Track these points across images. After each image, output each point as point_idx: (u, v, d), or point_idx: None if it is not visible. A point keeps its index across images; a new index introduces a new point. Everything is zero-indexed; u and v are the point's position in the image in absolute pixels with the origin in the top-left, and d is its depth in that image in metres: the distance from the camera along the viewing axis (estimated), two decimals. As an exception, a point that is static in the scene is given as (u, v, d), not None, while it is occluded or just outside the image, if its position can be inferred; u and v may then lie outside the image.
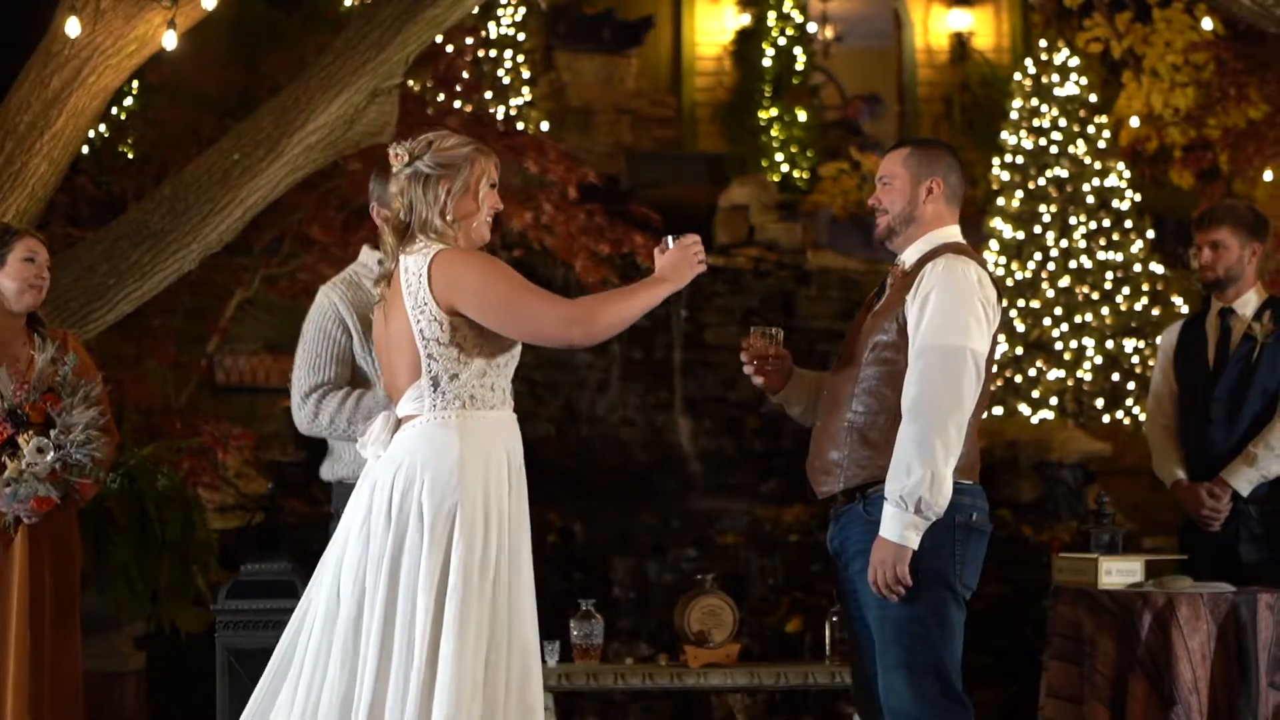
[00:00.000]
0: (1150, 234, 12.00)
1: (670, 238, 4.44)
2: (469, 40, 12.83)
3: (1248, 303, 6.07)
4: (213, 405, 9.64)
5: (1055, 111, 12.19)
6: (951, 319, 4.51)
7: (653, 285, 4.40)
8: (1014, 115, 12.41)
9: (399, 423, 4.40)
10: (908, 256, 4.72)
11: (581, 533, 9.51)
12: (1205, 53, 11.46)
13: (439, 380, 4.33)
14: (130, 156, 9.71)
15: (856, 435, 4.62)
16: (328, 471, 5.35)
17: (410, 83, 9.04)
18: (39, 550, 5.37)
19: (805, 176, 14.86)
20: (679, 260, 4.42)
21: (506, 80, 14.28)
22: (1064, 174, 11.98)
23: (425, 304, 4.31)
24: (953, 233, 4.73)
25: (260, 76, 9.60)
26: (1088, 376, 11.53)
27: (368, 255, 5.30)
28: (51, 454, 5.24)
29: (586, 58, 15.63)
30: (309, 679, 4.34)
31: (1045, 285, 11.74)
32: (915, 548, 4.45)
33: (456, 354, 4.33)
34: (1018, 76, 12.74)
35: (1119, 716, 5.30)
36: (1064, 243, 11.83)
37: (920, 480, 4.42)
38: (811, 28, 15.95)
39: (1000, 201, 12.15)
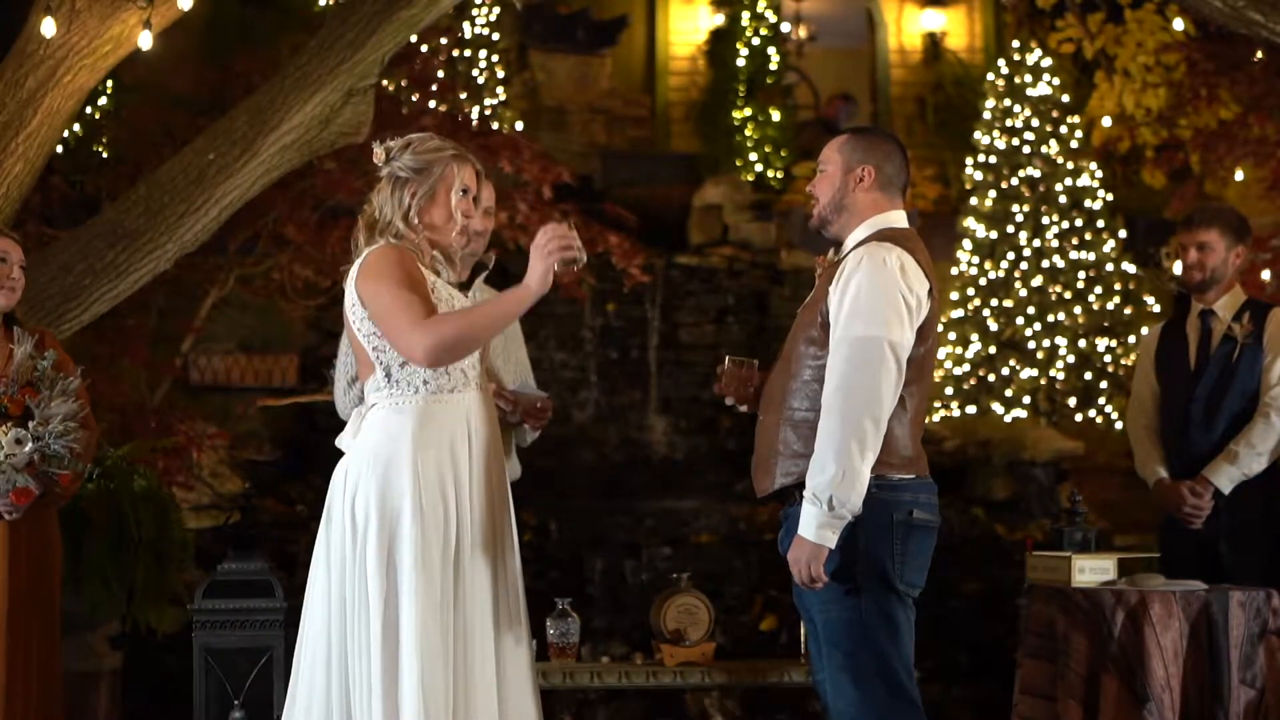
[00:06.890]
0: (1122, 234, 12.05)
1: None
2: (444, 40, 12.79)
3: (1228, 304, 6.12)
4: (187, 405, 9.61)
5: (1028, 111, 12.23)
6: (868, 309, 4.36)
7: (520, 294, 4.25)
8: (987, 115, 12.44)
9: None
10: (845, 247, 4.59)
11: (556, 531, 9.50)
12: (1177, 53, 11.50)
13: (390, 370, 4.34)
14: (105, 156, 9.66)
15: (791, 433, 4.51)
16: None
17: (385, 83, 9.02)
18: (17, 549, 5.37)
19: (779, 176, 14.87)
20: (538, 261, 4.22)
21: (481, 80, 14.27)
22: (1036, 174, 12.01)
23: (355, 303, 4.34)
24: (892, 219, 4.58)
25: (235, 76, 9.57)
26: (1060, 375, 11.56)
27: None
28: (30, 445, 5.24)
29: (561, 57, 15.63)
30: (293, 684, 4.35)
31: (1018, 284, 11.78)
32: (832, 546, 4.34)
33: None
34: (990, 77, 12.77)
35: (1092, 714, 5.32)
36: (1036, 242, 11.86)
37: (832, 477, 4.30)
38: (785, 28, 15.97)
39: (973, 201, 12.19)
